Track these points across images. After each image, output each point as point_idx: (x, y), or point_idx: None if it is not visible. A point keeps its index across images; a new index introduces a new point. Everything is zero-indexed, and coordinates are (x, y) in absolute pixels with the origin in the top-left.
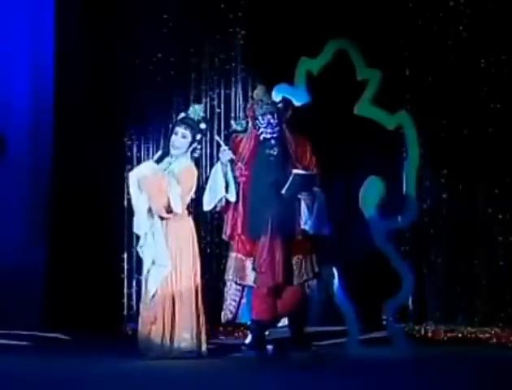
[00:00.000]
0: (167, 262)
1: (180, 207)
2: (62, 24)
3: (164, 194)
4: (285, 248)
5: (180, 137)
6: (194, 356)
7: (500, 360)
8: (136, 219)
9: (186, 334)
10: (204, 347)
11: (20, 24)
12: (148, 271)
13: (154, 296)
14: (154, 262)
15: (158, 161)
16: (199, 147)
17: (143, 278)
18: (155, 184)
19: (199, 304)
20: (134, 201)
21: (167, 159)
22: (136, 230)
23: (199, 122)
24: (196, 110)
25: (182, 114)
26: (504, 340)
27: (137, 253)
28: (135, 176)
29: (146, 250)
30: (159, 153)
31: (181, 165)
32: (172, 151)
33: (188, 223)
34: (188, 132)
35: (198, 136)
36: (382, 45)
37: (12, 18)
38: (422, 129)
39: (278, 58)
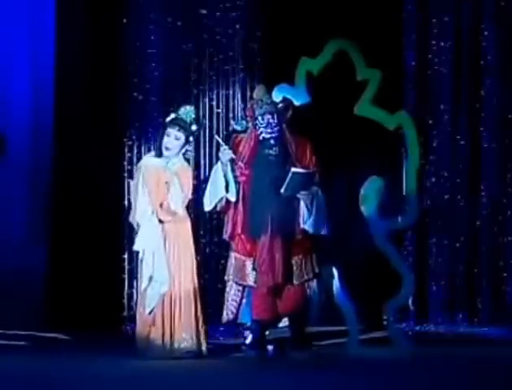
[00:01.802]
0: (166, 279)
1: (179, 207)
2: (62, 24)
3: (162, 192)
4: (285, 247)
5: (173, 139)
6: (194, 356)
7: (500, 360)
8: (134, 213)
9: (186, 334)
10: (204, 347)
11: (20, 24)
12: (145, 288)
13: (151, 311)
14: (151, 279)
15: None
16: (190, 149)
17: (141, 291)
18: (156, 179)
19: (198, 304)
20: (139, 194)
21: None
22: (133, 221)
23: (191, 123)
24: (188, 112)
25: (172, 115)
26: (504, 340)
27: (138, 253)
28: (143, 167)
29: (145, 267)
30: (152, 153)
31: (177, 164)
32: (165, 152)
33: (187, 224)
34: (181, 134)
35: (191, 138)
36: (382, 45)
37: (12, 18)
38: (422, 129)
39: (278, 58)
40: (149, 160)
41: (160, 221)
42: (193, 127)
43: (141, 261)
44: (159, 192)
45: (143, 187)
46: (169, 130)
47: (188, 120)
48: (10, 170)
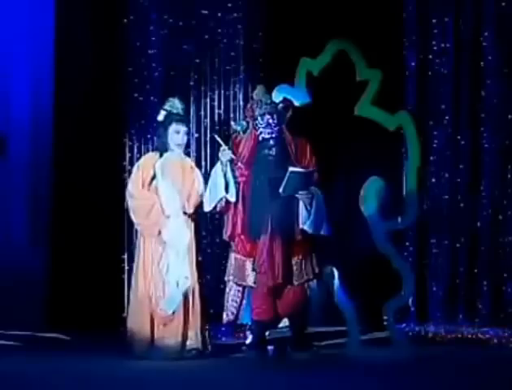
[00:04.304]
0: (190, 275)
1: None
2: (62, 24)
3: (190, 179)
4: (285, 248)
5: (183, 135)
6: (198, 355)
7: (500, 360)
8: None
9: (191, 332)
10: (209, 346)
11: (20, 24)
12: (173, 287)
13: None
14: (179, 280)
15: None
16: None
17: (159, 293)
18: (181, 168)
19: (203, 302)
20: (161, 189)
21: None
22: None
23: (184, 113)
24: (176, 104)
25: (164, 112)
26: (504, 340)
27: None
28: (162, 161)
29: (174, 267)
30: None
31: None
32: (177, 150)
33: (191, 222)
34: (187, 128)
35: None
36: (382, 45)
37: (12, 18)
38: (422, 129)
39: (278, 58)
40: (155, 155)
41: (185, 213)
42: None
43: (168, 262)
44: (186, 180)
45: (164, 180)
46: (178, 127)
47: (182, 112)
48: (11, 170)
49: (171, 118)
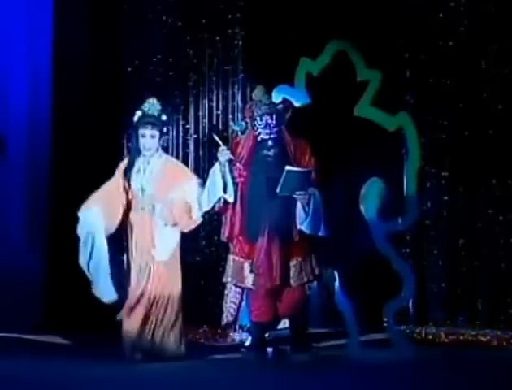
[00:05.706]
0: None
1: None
2: (61, 24)
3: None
4: (283, 249)
5: (150, 138)
6: (176, 356)
7: (501, 362)
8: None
9: (168, 334)
10: (183, 347)
11: (19, 24)
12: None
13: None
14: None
15: (128, 169)
16: (166, 136)
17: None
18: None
19: (180, 304)
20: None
21: (140, 160)
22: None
23: (160, 115)
24: (153, 105)
25: (139, 113)
26: (505, 342)
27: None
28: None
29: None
30: (126, 160)
31: (161, 160)
32: (145, 152)
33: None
34: (155, 131)
35: (164, 130)
36: (382, 45)
37: (11, 18)
38: (422, 130)
39: (278, 59)
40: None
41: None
42: (164, 118)
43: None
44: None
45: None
46: (143, 131)
47: (156, 114)
48: (9, 170)
49: (142, 120)
